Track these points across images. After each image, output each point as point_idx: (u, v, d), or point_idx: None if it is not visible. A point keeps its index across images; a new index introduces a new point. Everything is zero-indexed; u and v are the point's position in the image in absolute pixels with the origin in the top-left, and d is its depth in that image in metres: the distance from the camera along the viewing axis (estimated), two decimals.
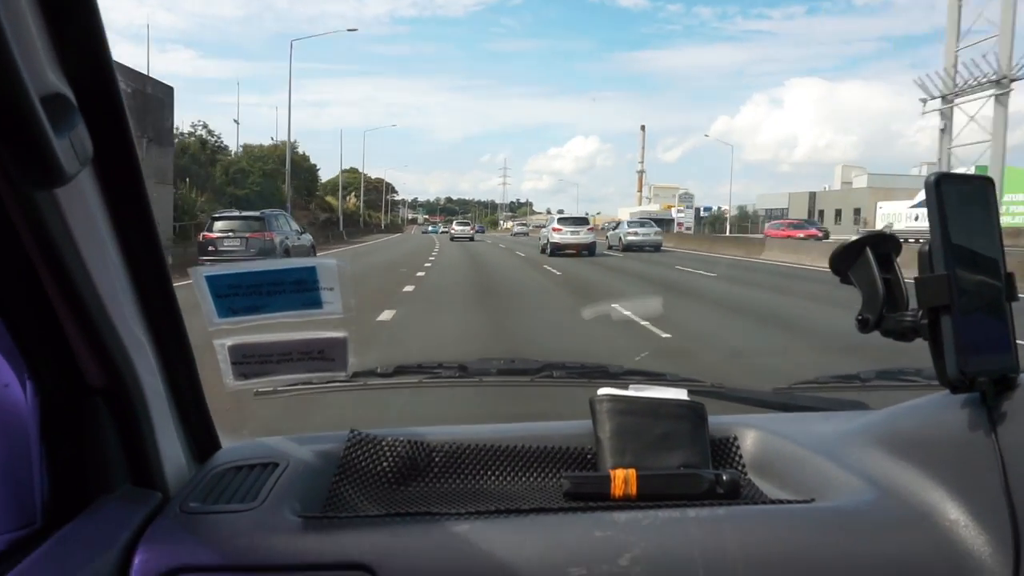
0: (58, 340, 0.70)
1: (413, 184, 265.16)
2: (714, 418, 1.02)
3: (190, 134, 36.96)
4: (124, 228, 0.71)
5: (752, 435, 1.00)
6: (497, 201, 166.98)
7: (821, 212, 61.11)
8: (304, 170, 50.42)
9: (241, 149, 41.25)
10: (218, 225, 14.26)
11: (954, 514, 0.72)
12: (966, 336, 0.70)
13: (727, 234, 53.73)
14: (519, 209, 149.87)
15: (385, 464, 0.95)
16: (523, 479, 0.96)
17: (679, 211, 71.09)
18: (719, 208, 78.50)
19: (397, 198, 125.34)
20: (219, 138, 40.85)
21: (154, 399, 0.80)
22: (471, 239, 45.25)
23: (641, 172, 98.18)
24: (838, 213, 58.61)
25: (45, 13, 0.54)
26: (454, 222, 77.37)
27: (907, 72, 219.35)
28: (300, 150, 52.78)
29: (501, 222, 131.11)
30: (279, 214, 15.88)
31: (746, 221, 72.66)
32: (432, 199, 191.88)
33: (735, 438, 1.01)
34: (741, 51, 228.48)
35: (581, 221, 26.24)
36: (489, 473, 0.97)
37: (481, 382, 1.31)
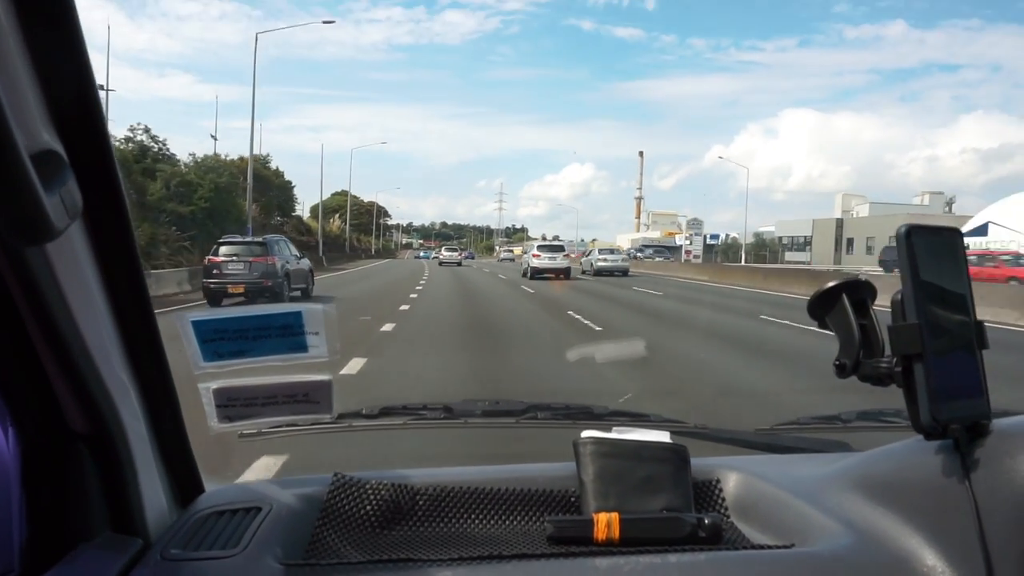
0: (42, 386, 0.71)
1: (408, 209, 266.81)
2: (697, 460, 1.03)
3: (127, 139, 29.87)
4: (111, 275, 0.72)
5: (734, 478, 1.01)
6: (493, 227, 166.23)
7: (850, 240, 57.65)
8: (277, 187, 45.65)
9: (191, 159, 32.49)
10: (223, 250, 14.98)
11: (931, 560, 0.73)
12: (938, 383, 0.72)
13: (767, 264, 49.95)
14: (515, 235, 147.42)
15: (368, 508, 0.95)
16: (507, 522, 0.96)
17: (685, 238, 68.03)
18: (728, 236, 75.04)
19: (390, 222, 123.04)
20: (164, 144, 31.69)
21: (138, 444, 0.80)
22: (459, 264, 47.05)
23: (639, 199, 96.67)
24: (869, 242, 53.54)
25: (39, 71, 0.56)
26: (443, 248, 78.28)
27: (897, 105, 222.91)
28: (273, 165, 47.15)
29: (497, 248, 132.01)
30: (279, 239, 16.92)
31: (763, 249, 68.33)
32: (427, 223, 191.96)
33: (718, 480, 1.01)
34: (735, 81, 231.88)
35: (558, 248, 29.75)
36: (473, 516, 0.97)
37: (466, 424, 1.31)
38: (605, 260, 32.50)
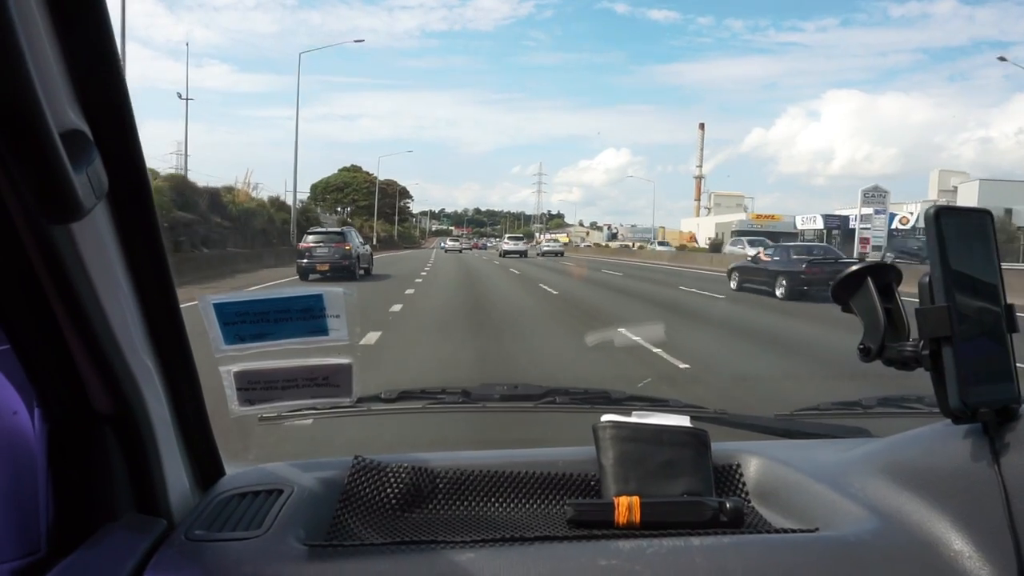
0: (67, 368, 0.71)
1: (441, 196, 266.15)
2: (717, 445, 1.02)
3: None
4: (135, 258, 0.73)
5: (755, 462, 1.00)
6: (528, 212, 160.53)
7: None
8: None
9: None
10: (310, 237, 19.71)
11: (958, 544, 0.72)
12: (967, 367, 0.71)
13: None
14: (550, 221, 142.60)
15: (389, 491, 0.95)
16: (527, 506, 0.96)
17: (861, 218, 33.21)
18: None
19: (412, 206, 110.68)
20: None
21: (160, 426, 0.81)
22: (460, 251, 57.22)
23: (699, 178, 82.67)
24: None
25: (66, 51, 0.56)
26: (447, 238, 78.23)
27: (945, 85, 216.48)
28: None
29: (537, 235, 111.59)
30: (351, 230, 22.18)
31: None
32: (460, 210, 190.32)
33: (738, 465, 1.01)
34: (774, 64, 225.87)
35: (519, 239, 53.16)
36: (493, 500, 0.97)
37: (484, 408, 1.31)
38: (548, 246, 53.00)
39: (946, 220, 0.73)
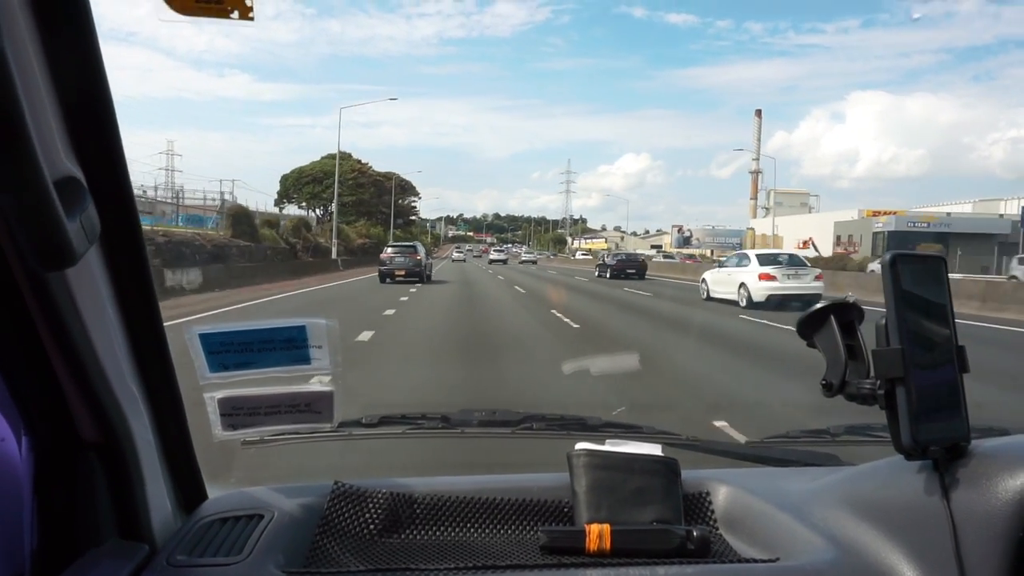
0: (55, 397, 0.73)
1: (460, 202, 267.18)
2: (688, 472, 1.06)
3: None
4: (124, 291, 0.75)
5: (724, 491, 1.03)
6: (550, 218, 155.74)
7: None
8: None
9: None
10: (390, 249, 26.08)
11: (910, 575, 0.75)
12: (919, 406, 0.75)
13: None
14: (573, 226, 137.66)
15: (367, 516, 0.98)
16: (501, 532, 0.99)
17: None
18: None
19: (423, 208, 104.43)
20: None
21: (145, 452, 0.83)
22: (464, 260, 62.13)
23: (756, 172, 71.08)
24: None
25: (61, 99, 0.59)
26: (452, 249, 77.21)
27: (971, 85, 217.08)
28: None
29: (570, 241, 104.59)
30: (418, 244, 28.94)
31: None
32: (479, 215, 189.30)
33: (708, 493, 1.04)
34: (794, 66, 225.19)
35: (501, 250, 70.34)
36: (469, 525, 0.99)
37: (463, 433, 1.34)
38: (527, 255, 68.12)
39: (902, 266, 0.77)
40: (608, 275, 30.89)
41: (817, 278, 16.07)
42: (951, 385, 0.78)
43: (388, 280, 23.68)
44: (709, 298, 17.45)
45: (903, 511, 0.80)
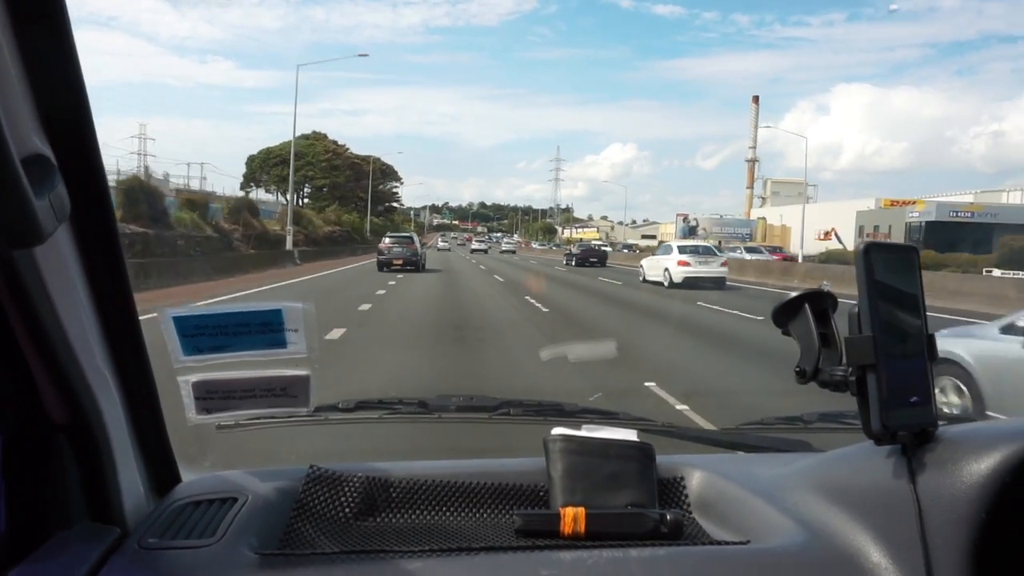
0: (24, 380, 0.72)
1: (445, 190, 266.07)
2: (663, 458, 1.07)
3: None
4: (95, 272, 0.74)
5: (698, 476, 1.05)
6: (536, 207, 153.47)
7: None
8: None
9: None
10: (387, 240, 27.25)
11: (876, 557, 0.77)
12: (888, 393, 0.76)
13: None
14: (558, 216, 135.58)
15: (342, 499, 0.98)
16: (477, 515, 0.99)
17: None
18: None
19: (408, 196, 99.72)
20: None
21: (116, 434, 0.82)
22: (449, 249, 63.78)
23: (752, 161, 65.78)
24: None
25: (31, 76, 0.57)
26: (437, 238, 77.26)
27: (954, 79, 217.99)
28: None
29: (560, 230, 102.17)
30: (413, 234, 30.96)
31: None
32: (465, 204, 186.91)
33: (682, 478, 1.05)
34: (779, 58, 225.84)
35: (482, 240, 77.28)
36: (444, 509, 1.00)
37: (440, 418, 1.34)
38: (500, 244, 71.56)
39: (875, 255, 0.79)
40: (574, 263, 37.17)
41: (723, 264, 21.16)
42: (921, 373, 0.80)
43: (385, 269, 24.95)
44: (645, 280, 22.32)
45: (872, 495, 0.82)
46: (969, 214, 41.70)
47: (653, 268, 22.18)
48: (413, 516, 0.99)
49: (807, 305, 0.87)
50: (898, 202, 48.23)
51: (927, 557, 0.73)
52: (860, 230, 46.40)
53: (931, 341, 0.81)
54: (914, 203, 45.89)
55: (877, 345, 0.76)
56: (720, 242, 47.18)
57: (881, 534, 0.78)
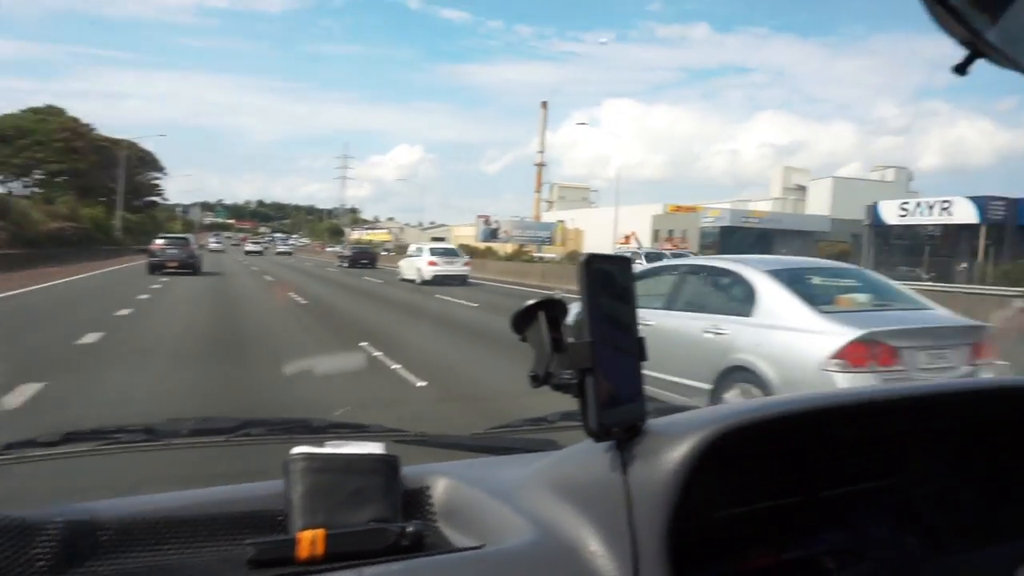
0: None
1: (219, 186, 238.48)
2: (411, 468, 1.06)
3: None
4: None
5: (443, 483, 1.05)
6: (320, 206, 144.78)
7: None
8: None
9: None
10: (160, 242, 25.81)
11: (594, 547, 0.83)
12: (605, 393, 0.83)
13: None
14: (344, 216, 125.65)
15: (32, 553, 0.83)
16: (206, 550, 0.91)
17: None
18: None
19: (173, 190, 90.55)
20: None
21: None
22: (223, 250, 60.89)
23: (540, 165, 64.87)
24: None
25: None
26: (209, 238, 69.78)
27: (701, 101, 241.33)
28: None
29: (348, 232, 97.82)
30: (191, 236, 30.16)
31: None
32: (241, 202, 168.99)
33: (428, 487, 1.05)
34: (558, 70, 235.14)
35: (257, 243, 71.65)
36: (167, 547, 0.90)
37: (170, 445, 1.21)
38: (282, 247, 76.42)
39: (596, 266, 0.85)
40: (347, 265, 38.77)
41: (466, 264, 25.81)
42: (633, 372, 0.87)
43: (158, 271, 23.72)
44: (403, 279, 25.66)
45: (593, 489, 0.88)
46: (757, 220, 46.87)
47: (408, 268, 25.82)
48: (127, 561, 0.87)
49: (541, 313, 0.92)
50: (682, 208, 50.67)
51: (633, 542, 0.79)
52: (655, 234, 49.09)
53: (641, 343, 0.89)
54: (694, 209, 50.05)
55: (595, 350, 0.82)
56: (522, 245, 49.61)
57: (600, 525, 0.84)
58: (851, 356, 4.60)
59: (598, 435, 0.84)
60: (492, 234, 53.06)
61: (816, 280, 5.75)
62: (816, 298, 5.24)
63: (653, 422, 0.89)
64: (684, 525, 0.86)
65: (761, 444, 0.96)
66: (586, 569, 0.81)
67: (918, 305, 5.64)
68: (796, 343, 4.77)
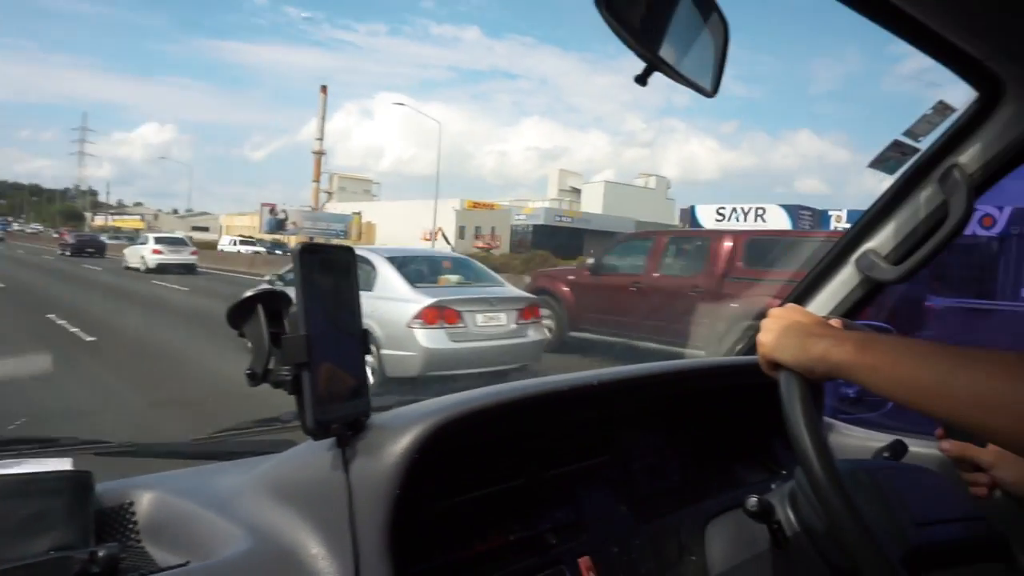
0: None
1: None
2: (111, 484, 0.94)
3: None
4: None
5: (149, 497, 0.94)
6: (44, 186, 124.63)
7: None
8: None
9: None
10: None
11: (315, 548, 0.79)
12: (324, 388, 0.79)
13: None
14: (81, 198, 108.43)
15: None
16: None
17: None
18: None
19: None
20: None
21: None
22: None
23: (319, 154, 57.92)
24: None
25: None
26: None
27: (472, 102, 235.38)
28: None
29: (89, 217, 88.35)
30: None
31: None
32: None
33: (131, 503, 0.94)
34: (329, 58, 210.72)
35: None
36: None
37: None
38: None
39: (311, 256, 0.81)
40: (70, 253, 35.07)
41: (193, 253, 26.11)
42: (355, 366, 0.85)
43: None
44: (127, 267, 25.71)
45: (314, 489, 0.85)
46: (571, 219, 47.28)
47: (133, 256, 26.02)
48: None
49: (260, 305, 0.86)
50: (479, 204, 51.02)
51: (354, 540, 0.77)
52: (461, 231, 47.87)
53: (365, 336, 0.87)
54: (491, 206, 49.97)
55: (311, 344, 0.78)
56: (311, 238, 41.50)
57: (321, 526, 0.81)
58: (426, 317, 6.39)
59: (316, 433, 0.80)
60: (279, 225, 48.20)
61: (424, 266, 7.70)
62: (417, 277, 7.10)
63: (377, 416, 0.88)
64: (411, 517, 0.86)
65: (487, 431, 1.00)
66: (305, 573, 0.77)
67: (494, 283, 7.82)
68: (394, 308, 6.44)
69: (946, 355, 0.73)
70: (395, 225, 46.22)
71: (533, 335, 7.18)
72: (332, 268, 0.84)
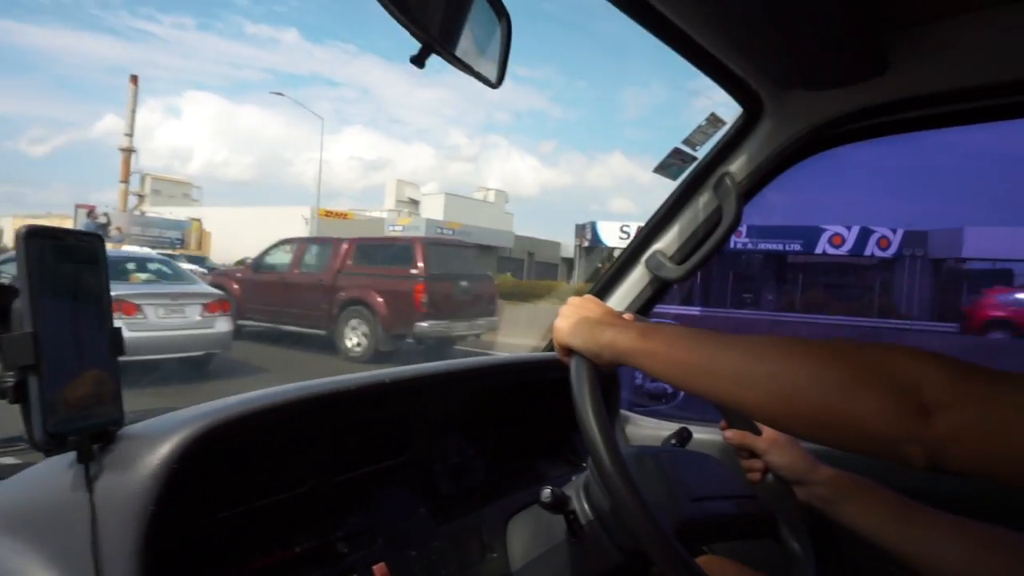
0: None
1: None
2: None
3: None
4: None
5: None
6: None
7: None
8: None
9: None
10: None
11: None
12: (59, 396, 0.68)
13: None
14: None
15: None
16: None
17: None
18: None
19: None
20: None
21: None
22: None
23: (128, 151, 49.66)
24: None
25: None
26: None
27: (292, 108, 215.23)
28: None
29: None
30: None
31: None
32: None
33: None
34: (127, 49, 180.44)
35: None
36: None
37: None
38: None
39: (42, 242, 0.69)
40: None
41: None
42: (105, 369, 0.74)
43: None
44: None
45: (48, 514, 0.73)
46: (451, 231, 45.01)
47: None
48: None
49: None
50: (332, 213, 47.49)
51: (97, 569, 0.67)
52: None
53: (117, 335, 0.76)
54: (345, 216, 46.64)
55: (39, 343, 0.67)
56: (144, 245, 34.24)
57: (56, 555, 0.69)
58: None
59: (47, 447, 0.69)
60: (101, 229, 38.04)
61: (127, 265, 8.56)
62: (112, 275, 7.86)
63: (131, 427, 0.78)
64: (173, 536, 0.76)
65: (265, 436, 0.91)
66: None
67: (187, 281, 8.67)
68: None
69: (712, 339, 0.77)
70: (234, 234, 41.29)
71: (221, 326, 8.13)
72: (73, 257, 0.73)
